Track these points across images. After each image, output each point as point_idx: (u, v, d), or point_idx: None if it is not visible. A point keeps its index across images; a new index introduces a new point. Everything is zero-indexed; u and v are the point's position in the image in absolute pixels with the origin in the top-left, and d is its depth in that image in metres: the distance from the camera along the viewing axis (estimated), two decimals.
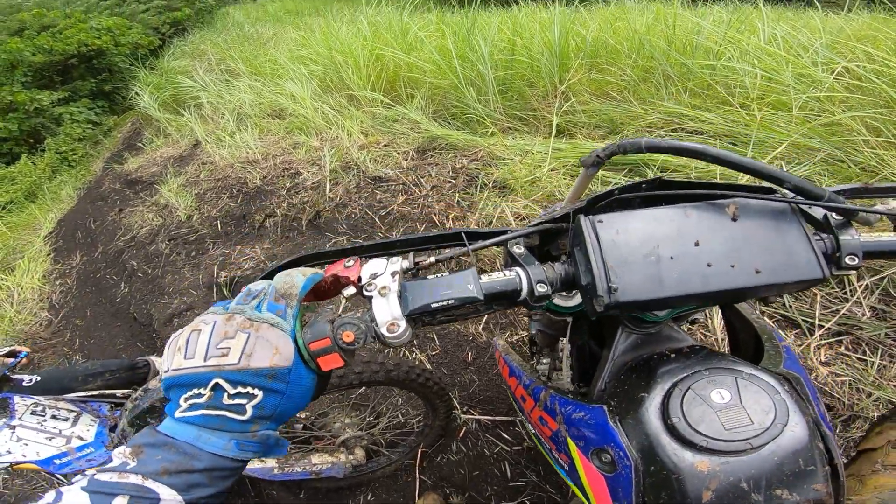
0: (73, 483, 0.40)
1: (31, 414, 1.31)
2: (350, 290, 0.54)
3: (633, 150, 0.66)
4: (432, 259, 0.57)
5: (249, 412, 0.42)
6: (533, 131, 3.23)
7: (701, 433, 0.47)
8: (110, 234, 3.77)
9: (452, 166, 2.81)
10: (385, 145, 3.15)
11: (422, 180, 2.73)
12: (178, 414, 0.43)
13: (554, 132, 2.92)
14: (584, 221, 0.53)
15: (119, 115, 7.47)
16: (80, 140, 6.51)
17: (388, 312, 0.48)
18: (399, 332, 0.47)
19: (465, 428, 1.75)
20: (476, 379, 1.88)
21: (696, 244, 0.50)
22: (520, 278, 0.52)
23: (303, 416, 1.68)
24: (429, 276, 0.53)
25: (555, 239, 0.65)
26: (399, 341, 0.48)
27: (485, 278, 0.52)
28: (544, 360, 1.12)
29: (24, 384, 1.58)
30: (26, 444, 1.24)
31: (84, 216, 4.32)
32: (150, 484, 0.39)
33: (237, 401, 0.42)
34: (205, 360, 0.42)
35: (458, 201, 2.58)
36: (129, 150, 5.35)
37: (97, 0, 11.23)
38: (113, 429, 1.37)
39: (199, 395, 0.42)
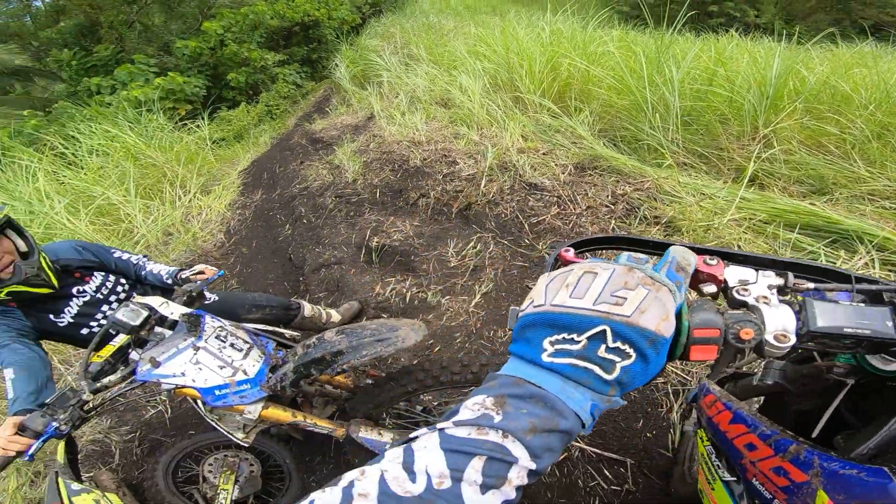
0: (422, 435, 0.38)
1: (216, 338, 1.31)
2: (711, 288, 0.54)
3: None
4: (810, 285, 0.57)
5: (616, 372, 0.39)
6: (714, 173, 2.88)
7: None
8: (289, 180, 4.40)
9: (613, 191, 2.65)
10: (544, 153, 3.11)
11: (577, 197, 2.63)
12: (545, 357, 0.39)
13: (746, 179, 2.55)
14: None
15: (317, 82, 8.65)
16: (285, 98, 7.72)
17: (780, 323, 0.47)
18: (787, 344, 0.46)
19: (566, 454, 1.67)
20: (611, 430, 1.77)
21: None
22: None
23: (426, 398, 1.75)
24: (839, 300, 0.51)
25: None
26: (779, 353, 0.48)
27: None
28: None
29: (205, 302, 1.77)
30: (200, 369, 1.23)
31: (272, 161, 5.12)
32: (509, 444, 0.36)
33: (610, 356, 0.38)
34: (594, 304, 0.40)
35: (613, 228, 2.43)
36: (318, 113, 6.16)
37: None
38: (273, 369, 1.36)
39: (572, 342, 0.39)
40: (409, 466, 0.36)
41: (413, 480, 0.35)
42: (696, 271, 0.54)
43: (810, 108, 3.14)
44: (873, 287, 0.57)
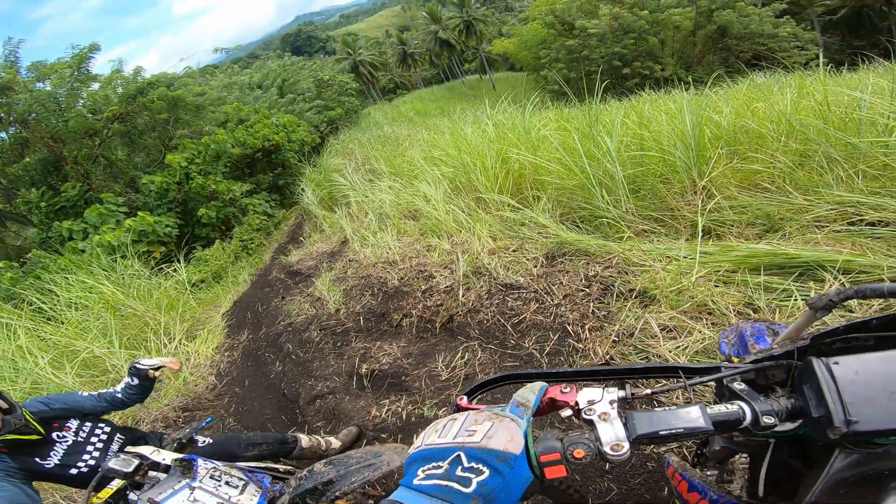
0: None
1: (210, 478, 1.40)
2: (566, 412, 0.64)
3: (873, 296, 0.71)
4: (647, 391, 0.66)
5: (473, 486, 0.47)
6: (672, 233, 3.04)
7: None
8: (273, 317, 4.43)
9: (585, 273, 2.75)
10: (514, 250, 3.25)
11: (553, 288, 2.72)
12: (415, 482, 0.50)
13: (700, 234, 2.70)
14: (818, 365, 0.57)
15: (287, 209, 9.02)
16: (258, 230, 7.94)
17: (612, 435, 0.56)
18: (622, 451, 0.54)
19: None
20: (615, 487, 1.75)
21: None
22: (743, 411, 0.59)
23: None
24: (655, 409, 0.60)
25: (769, 373, 0.70)
26: (620, 459, 0.55)
27: (709, 410, 0.59)
28: (709, 473, 1.17)
29: (200, 445, 1.86)
30: None
31: (254, 300, 5.18)
32: None
33: (466, 474, 0.48)
34: (454, 438, 0.52)
35: (592, 311, 2.49)
36: (292, 243, 6.37)
37: (276, 98, 14.13)
38: (272, 501, 1.44)
39: (437, 467, 0.50)
40: None
41: None
42: (554, 400, 0.65)
43: (733, 150, 3.41)
44: (705, 378, 0.67)
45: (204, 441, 1.91)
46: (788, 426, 0.68)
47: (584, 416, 0.61)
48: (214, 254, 7.58)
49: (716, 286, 2.46)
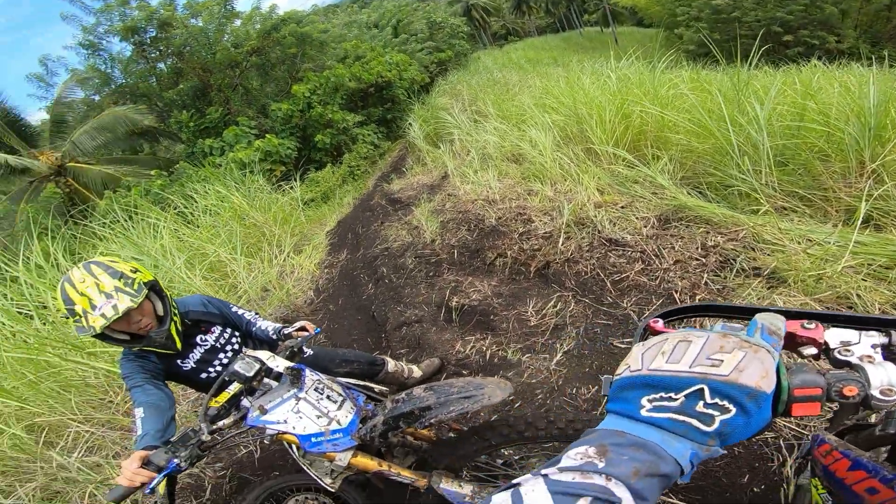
0: (526, 482, 0.41)
1: (315, 390, 1.42)
2: (811, 350, 0.57)
3: None
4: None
5: (716, 425, 0.42)
6: (819, 216, 2.65)
7: None
8: (371, 240, 4.74)
9: (702, 242, 2.53)
10: (622, 207, 3.07)
11: (663, 252, 2.55)
12: (642, 413, 0.43)
13: (859, 221, 2.32)
14: None
15: (392, 142, 9.38)
16: (365, 158, 8.45)
17: (885, 378, 0.49)
18: (893, 397, 0.48)
19: None
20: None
21: None
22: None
23: (507, 452, 1.75)
24: None
25: None
26: (887, 406, 0.49)
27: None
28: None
29: (305, 355, 1.94)
30: (300, 418, 1.33)
31: (356, 222, 5.56)
32: (612, 486, 0.38)
33: (709, 411, 0.42)
34: (690, 367, 0.44)
35: (706, 282, 2.31)
36: (395, 172, 6.63)
37: (391, 37, 14.44)
38: (364, 420, 1.45)
39: (669, 399, 0.43)
40: None
41: None
42: (795, 335, 0.56)
43: None
44: None
45: (307, 352, 2.00)
46: None
47: (837, 357, 0.54)
48: (325, 176, 8.20)
49: (863, 280, 2.14)
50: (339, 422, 1.38)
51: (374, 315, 3.64)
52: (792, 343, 0.58)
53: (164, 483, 1.35)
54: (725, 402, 0.42)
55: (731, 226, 2.57)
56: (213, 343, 1.87)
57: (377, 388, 1.68)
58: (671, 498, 1.60)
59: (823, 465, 0.89)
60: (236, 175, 6.81)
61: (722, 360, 0.43)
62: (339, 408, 1.43)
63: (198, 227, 5.68)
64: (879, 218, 2.52)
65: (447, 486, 1.52)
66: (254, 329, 1.98)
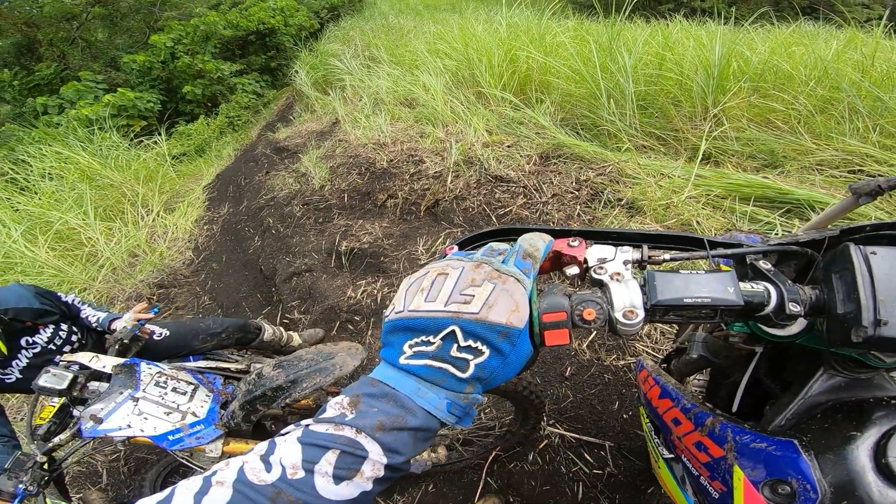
0: (291, 431, 0.40)
1: (155, 385, 1.29)
2: (573, 270, 0.55)
3: None
4: (666, 256, 0.58)
5: (471, 370, 0.40)
6: (671, 153, 2.98)
7: None
8: (255, 191, 4.32)
9: (577, 177, 2.71)
10: (508, 146, 3.15)
11: (543, 186, 2.68)
12: (402, 360, 0.41)
13: (699, 157, 2.65)
14: (856, 252, 0.50)
15: (278, 90, 8.51)
16: (246, 108, 7.57)
17: (627, 299, 0.47)
18: (635, 320, 0.45)
19: (546, 441, 1.71)
20: (570, 395, 1.82)
21: None
22: (769, 292, 0.50)
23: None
24: (680, 271, 0.51)
25: (786, 262, 0.64)
26: (631, 330, 0.46)
27: (742, 284, 0.50)
28: (693, 387, 1.09)
29: (155, 337, 1.68)
30: (145, 419, 1.22)
31: (237, 174, 5.01)
32: (361, 439, 0.38)
33: (463, 355, 0.40)
34: (445, 305, 0.41)
35: (578, 213, 2.49)
36: (282, 122, 6.06)
37: None
38: (224, 406, 1.35)
39: (428, 343, 0.40)
40: (266, 458, 0.37)
41: (268, 470, 0.37)
42: (560, 254, 0.56)
43: (756, 86, 3.28)
44: (728, 252, 0.58)
45: (160, 333, 1.73)
46: (794, 330, 0.60)
47: (593, 276, 0.52)
48: (198, 128, 7.25)
49: (703, 208, 2.48)
50: (194, 413, 1.27)
51: (261, 269, 3.38)
52: (558, 263, 0.57)
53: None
54: (478, 344, 0.40)
55: (600, 162, 2.79)
56: (45, 345, 1.52)
57: (233, 366, 1.55)
58: (556, 428, 1.73)
59: (643, 391, 0.94)
60: (81, 134, 5.66)
61: (473, 296, 0.41)
62: (191, 398, 1.31)
63: (35, 193, 4.68)
64: (718, 156, 2.93)
65: None
66: (81, 318, 1.66)
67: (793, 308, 0.49)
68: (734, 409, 0.83)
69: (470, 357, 0.40)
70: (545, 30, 4.71)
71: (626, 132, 3.07)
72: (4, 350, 1.42)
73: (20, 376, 1.48)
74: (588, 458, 1.64)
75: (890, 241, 0.58)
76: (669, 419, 0.81)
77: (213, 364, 1.52)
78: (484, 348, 0.40)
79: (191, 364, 1.48)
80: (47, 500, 1.19)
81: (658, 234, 0.62)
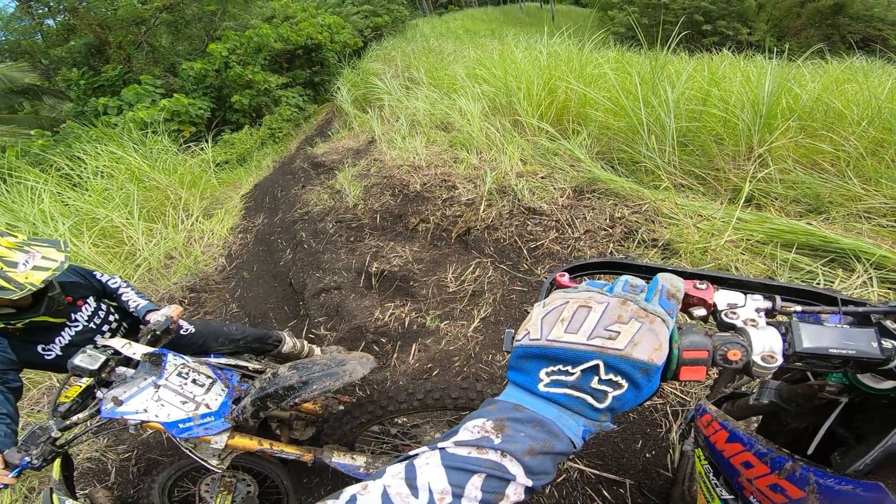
0: (422, 453, 0.40)
1: (177, 375, 1.36)
2: (700, 312, 0.56)
3: None
4: (798, 308, 0.58)
5: (608, 401, 0.41)
6: (711, 194, 2.90)
7: None
8: (291, 204, 4.45)
9: (611, 214, 2.67)
10: (542, 177, 3.14)
11: (576, 221, 2.65)
12: (541, 388, 0.42)
13: (742, 199, 2.57)
14: None
15: (319, 105, 8.81)
16: (287, 121, 7.86)
17: (767, 344, 0.48)
18: (774, 364, 0.47)
19: (564, 475, 1.67)
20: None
21: None
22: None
23: (401, 421, 1.76)
24: (825, 323, 0.52)
25: None
26: (767, 374, 0.48)
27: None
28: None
29: (182, 332, 1.78)
30: (162, 406, 1.28)
31: (274, 185, 5.19)
32: (507, 463, 0.38)
33: (602, 387, 0.41)
34: (588, 339, 0.42)
35: (611, 251, 2.44)
36: (320, 136, 6.26)
37: None
38: (237, 401, 1.42)
39: (567, 374, 0.42)
40: (411, 482, 0.37)
41: (416, 496, 0.37)
42: (686, 295, 0.56)
43: (804, 125, 3.17)
44: (860, 309, 0.59)
45: (187, 329, 1.82)
46: (886, 385, 0.61)
47: (724, 319, 0.53)
48: (242, 138, 7.56)
49: (742, 254, 2.39)
50: (207, 405, 1.34)
51: (291, 282, 3.46)
52: (684, 304, 0.57)
53: (58, 468, 1.30)
54: (619, 378, 0.41)
55: (636, 199, 2.74)
56: (86, 323, 1.57)
57: (252, 365, 1.62)
58: (576, 463, 1.69)
59: (705, 435, 0.92)
60: (135, 136, 6.01)
61: (619, 332, 0.42)
62: (208, 391, 1.38)
63: (86, 190, 4.96)
64: (760, 198, 2.83)
65: (339, 459, 1.53)
66: (120, 299, 1.71)
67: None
68: (809, 451, 0.82)
69: (609, 390, 0.41)
70: (586, 60, 4.72)
71: (665, 169, 3.02)
72: (59, 320, 1.48)
73: (60, 353, 1.52)
74: (607, 495, 1.60)
75: None
76: (738, 462, 0.80)
77: (233, 361, 1.60)
78: (624, 382, 0.41)
79: (213, 360, 1.55)
80: (54, 496, 1.25)
81: (789, 287, 0.63)
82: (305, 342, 2.38)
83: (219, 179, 6.36)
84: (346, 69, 8.37)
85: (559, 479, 1.66)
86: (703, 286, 0.57)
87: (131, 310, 1.68)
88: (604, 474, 1.65)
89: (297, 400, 1.35)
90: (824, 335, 0.50)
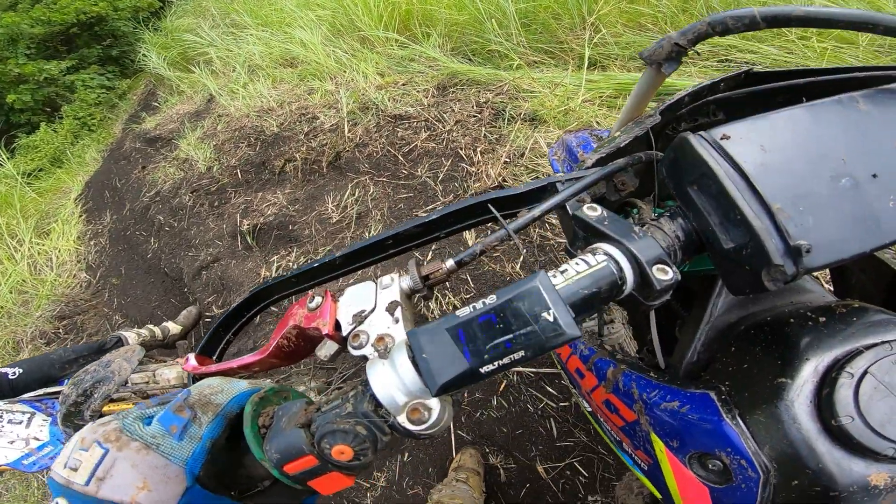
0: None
1: None
2: (329, 349, 0.38)
3: (738, 28, 0.42)
4: (450, 263, 0.41)
5: None
6: (561, 64, 3.03)
7: (889, 438, 0.33)
8: (136, 191, 3.78)
9: (476, 101, 2.66)
10: (403, 84, 3.00)
11: (444, 116, 2.60)
12: None
13: (586, 64, 2.72)
14: (700, 144, 0.34)
15: (131, 78, 7.42)
16: (97, 105, 6.52)
17: (399, 389, 0.30)
18: (430, 419, 0.30)
19: (504, 381, 1.64)
20: None
21: None
22: (615, 263, 0.34)
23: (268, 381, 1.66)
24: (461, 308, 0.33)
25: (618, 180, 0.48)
26: (434, 430, 0.31)
27: (558, 278, 0.33)
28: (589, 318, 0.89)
29: (10, 377, 1.69)
30: None
31: (110, 176, 4.35)
32: None
33: None
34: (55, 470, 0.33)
35: (484, 135, 2.46)
36: (146, 110, 5.33)
37: None
38: None
39: None
40: None
41: None
42: (301, 330, 0.41)
43: None
44: (533, 213, 0.45)
45: (14, 372, 1.74)
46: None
47: (353, 351, 0.37)
48: (45, 137, 6.16)
49: (599, 108, 2.56)
50: (36, 438, 1.39)
51: (166, 272, 3.04)
52: (308, 340, 0.42)
53: None
54: None
55: (496, 82, 2.76)
56: None
57: (52, 389, 1.64)
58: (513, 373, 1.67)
59: None
60: None
61: (80, 461, 0.33)
62: (28, 425, 1.42)
63: None
64: (601, 60, 3.03)
65: None
66: None
67: (660, 276, 0.33)
68: (635, 351, 0.71)
69: None
70: None
71: (515, 51, 3.06)
72: None
73: None
74: (551, 390, 1.57)
75: (731, 105, 0.43)
76: (573, 370, 0.64)
77: (51, 389, 1.62)
78: None
79: (27, 395, 1.57)
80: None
81: (425, 222, 0.46)
82: (152, 326, 2.32)
83: (37, 190, 5.23)
84: (146, 34, 7.03)
85: (501, 387, 1.62)
86: (318, 301, 0.39)
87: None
88: (539, 370, 1.62)
89: (87, 413, 1.32)
90: (452, 356, 0.31)
